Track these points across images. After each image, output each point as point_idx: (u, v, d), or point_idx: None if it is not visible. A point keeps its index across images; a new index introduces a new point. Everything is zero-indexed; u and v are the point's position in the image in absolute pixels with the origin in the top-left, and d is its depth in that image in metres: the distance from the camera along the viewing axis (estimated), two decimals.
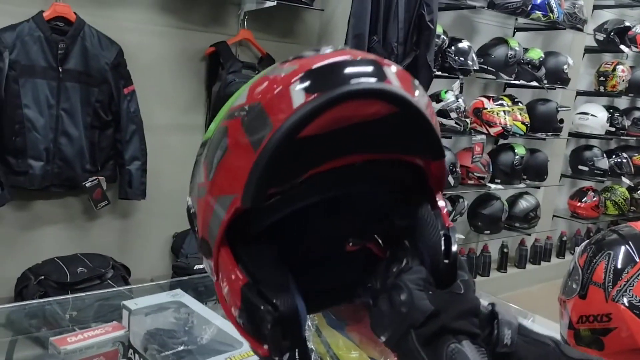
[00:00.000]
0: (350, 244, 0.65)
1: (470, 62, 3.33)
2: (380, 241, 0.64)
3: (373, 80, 0.48)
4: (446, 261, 0.55)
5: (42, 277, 2.18)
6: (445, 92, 3.35)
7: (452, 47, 3.27)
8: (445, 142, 3.48)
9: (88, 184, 2.33)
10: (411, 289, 0.52)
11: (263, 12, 2.61)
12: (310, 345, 0.89)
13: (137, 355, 0.98)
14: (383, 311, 0.53)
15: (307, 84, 0.47)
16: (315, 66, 0.48)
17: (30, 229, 2.34)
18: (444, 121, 3.31)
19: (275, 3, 2.49)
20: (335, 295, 0.64)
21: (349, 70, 0.48)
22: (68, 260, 2.28)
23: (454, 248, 0.55)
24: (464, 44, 3.33)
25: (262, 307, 0.51)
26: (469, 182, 3.60)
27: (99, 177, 2.36)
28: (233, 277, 0.54)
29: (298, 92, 0.46)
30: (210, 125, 0.58)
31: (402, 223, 0.59)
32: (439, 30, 3.10)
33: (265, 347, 0.53)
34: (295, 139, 0.46)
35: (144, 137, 2.42)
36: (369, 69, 0.49)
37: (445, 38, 3.21)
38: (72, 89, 2.24)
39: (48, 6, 2.17)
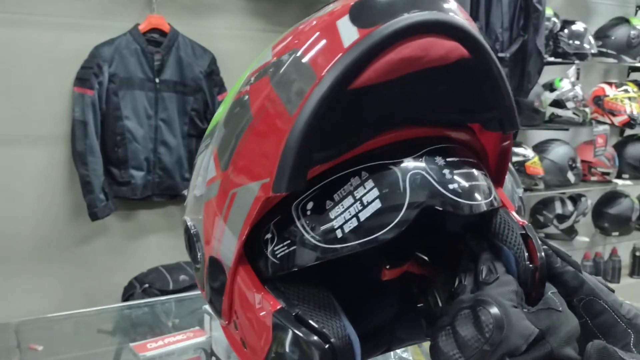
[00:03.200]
0: (387, 268, 0.48)
1: (587, 46, 3.03)
2: (424, 257, 0.50)
3: (450, 13, 0.37)
4: (532, 266, 0.42)
5: (147, 285, 2.22)
6: (560, 80, 3.07)
7: (565, 30, 3.00)
8: (562, 134, 3.21)
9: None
10: (506, 305, 0.38)
11: None
12: (409, 356, 0.76)
13: None
14: (462, 336, 0.38)
15: (360, 17, 0.35)
16: None
17: (135, 238, 2.40)
18: (560, 112, 3.03)
19: None
20: (371, 342, 0.47)
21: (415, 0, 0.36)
22: (171, 268, 2.30)
23: (540, 252, 0.42)
24: (578, 26, 3.04)
25: (306, 339, 0.38)
26: (592, 178, 3.27)
27: None
28: (258, 303, 0.41)
29: (349, 27, 0.35)
30: (217, 111, 0.48)
31: (454, 227, 0.46)
32: (549, 12, 2.85)
33: None
34: (346, 91, 0.35)
35: None
36: (440, 0, 0.37)
37: (556, 21, 2.95)
38: (168, 99, 2.28)
39: (143, 19, 2.22)
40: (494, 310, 0.38)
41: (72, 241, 2.25)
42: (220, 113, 0.46)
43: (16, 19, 2.05)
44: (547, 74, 2.94)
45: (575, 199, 3.30)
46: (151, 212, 2.41)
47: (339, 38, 0.35)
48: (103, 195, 2.16)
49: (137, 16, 2.23)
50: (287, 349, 0.39)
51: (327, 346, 0.38)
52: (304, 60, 0.36)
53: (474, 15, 2.55)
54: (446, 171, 0.40)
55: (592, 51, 3.08)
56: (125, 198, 2.27)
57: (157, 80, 2.24)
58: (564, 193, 3.21)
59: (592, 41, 3.09)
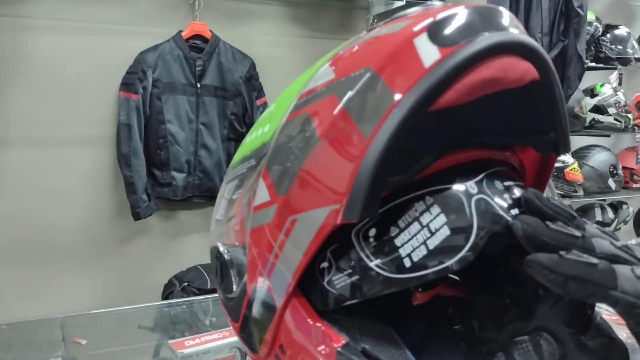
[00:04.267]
0: (420, 291, 0.44)
1: (630, 50, 2.96)
2: (456, 278, 0.48)
3: (524, 35, 0.36)
4: None
5: (186, 283, 2.27)
6: (601, 86, 3.01)
7: (607, 35, 2.93)
8: (604, 141, 3.14)
9: None
10: (566, 333, 0.38)
11: (392, 13, 2.51)
12: None
13: None
14: None
15: (439, 35, 0.34)
16: (445, 13, 0.34)
17: (175, 238, 2.47)
18: (601, 118, 2.96)
19: (404, 2, 2.39)
20: None
21: (491, 18, 0.35)
22: (209, 267, 2.34)
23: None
24: (621, 31, 2.97)
25: None
26: (634, 185, 3.18)
27: None
28: (316, 338, 0.38)
29: (428, 46, 0.34)
30: (259, 131, 0.45)
31: (492, 249, 0.42)
32: (591, 16, 2.79)
33: None
34: (426, 113, 0.33)
35: None
36: (510, 20, 0.36)
37: (598, 25, 2.89)
38: (209, 103, 2.33)
39: (186, 26, 2.28)
40: (555, 338, 0.37)
41: (115, 240, 2.33)
42: (268, 133, 0.43)
43: (66, 26, 2.14)
44: (588, 80, 2.89)
45: (617, 207, 3.22)
46: (191, 212, 2.47)
47: (417, 57, 0.33)
48: (146, 195, 2.23)
49: (180, 23, 2.30)
50: None
51: None
52: (380, 79, 0.34)
53: None
54: (506, 196, 0.38)
55: (636, 56, 3.00)
56: (167, 199, 2.33)
57: (198, 85, 2.30)
58: (604, 200, 3.13)
59: (636, 46, 3.02)
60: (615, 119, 2.98)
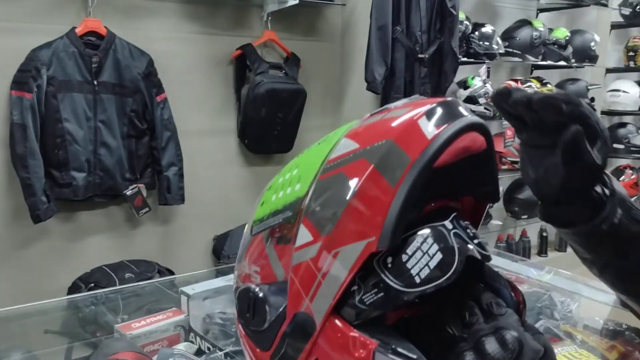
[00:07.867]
0: (391, 310, 0.57)
1: (495, 46, 3.30)
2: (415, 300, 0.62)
3: (477, 117, 0.53)
4: (517, 300, 0.57)
5: (92, 284, 2.24)
6: (472, 79, 3.33)
7: (476, 32, 3.25)
8: None
9: (129, 192, 2.40)
10: (521, 330, 0.53)
11: (286, 11, 2.64)
12: None
13: (198, 338, 1.01)
14: (489, 353, 0.52)
15: (433, 118, 0.50)
16: (432, 105, 0.51)
17: (77, 239, 2.41)
18: (473, 107, 3.28)
19: (297, 1, 2.51)
20: None
21: (460, 108, 0.52)
22: (115, 267, 2.34)
23: (518, 289, 0.58)
24: (487, 29, 3.30)
25: None
26: (503, 167, 3.54)
27: (139, 185, 2.42)
28: (354, 346, 0.49)
29: (427, 125, 0.49)
30: (274, 193, 0.57)
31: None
32: (462, 16, 3.09)
33: None
34: (430, 170, 0.48)
35: (178, 143, 2.48)
36: (466, 108, 0.53)
37: (468, 24, 3.20)
38: (107, 100, 2.31)
39: (79, 22, 2.24)
40: (514, 333, 0.51)
41: (13, 245, 2.24)
42: (300, 191, 0.54)
43: None
44: (461, 73, 3.19)
45: None
46: (92, 212, 2.43)
47: (421, 132, 0.48)
48: (45, 197, 2.16)
49: (74, 19, 2.25)
50: None
51: None
52: (398, 147, 0.49)
53: (395, 20, 2.75)
54: (468, 231, 0.54)
55: (500, 51, 3.34)
56: (67, 199, 2.28)
57: (95, 82, 2.26)
58: None
59: (500, 42, 3.37)
60: (485, 108, 3.32)
